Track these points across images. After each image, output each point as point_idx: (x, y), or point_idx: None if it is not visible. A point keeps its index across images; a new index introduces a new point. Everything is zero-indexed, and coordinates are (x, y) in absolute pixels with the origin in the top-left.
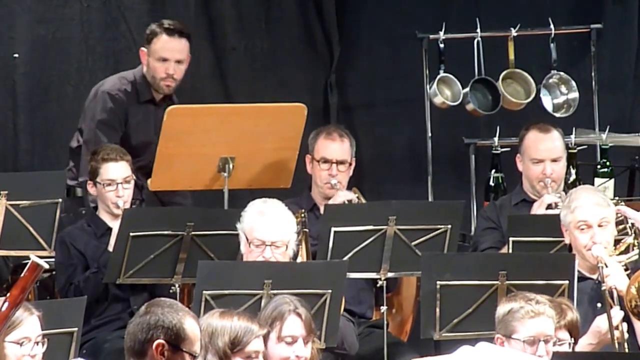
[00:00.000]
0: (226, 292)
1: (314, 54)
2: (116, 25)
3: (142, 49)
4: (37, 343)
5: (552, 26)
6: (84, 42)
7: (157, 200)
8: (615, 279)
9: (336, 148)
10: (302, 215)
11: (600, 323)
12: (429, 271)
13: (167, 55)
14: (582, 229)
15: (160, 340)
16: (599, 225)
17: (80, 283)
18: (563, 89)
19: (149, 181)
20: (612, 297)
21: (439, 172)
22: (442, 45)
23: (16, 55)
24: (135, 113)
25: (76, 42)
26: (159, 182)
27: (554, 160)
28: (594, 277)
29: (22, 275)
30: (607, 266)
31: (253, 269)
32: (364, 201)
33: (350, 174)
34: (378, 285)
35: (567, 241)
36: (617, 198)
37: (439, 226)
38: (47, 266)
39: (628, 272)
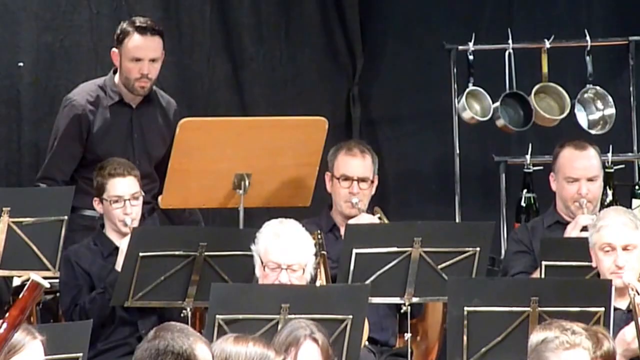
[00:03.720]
0: (240, 316)
1: (336, 64)
2: None
3: (114, 50)
4: None
5: (588, 38)
6: (93, 51)
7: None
8: None
9: (357, 165)
10: (319, 236)
11: (626, 332)
12: (456, 296)
13: (141, 54)
14: (607, 251)
15: None
16: (624, 249)
17: (85, 304)
18: (599, 104)
19: (159, 198)
20: None
21: (468, 192)
22: (471, 57)
23: (21, 64)
24: (99, 119)
25: (85, 51)
26: (170, 200)
27: (590, 180)
28: (621, 307)
29: (21, 294)
30: (639, 293)
31: (269, 292)
32: (386, 222)
33: (373, 193)
34: (402, 311)
35: (594, 264)
36: None
37: (467, 249)
38: (47, 285)
39: None
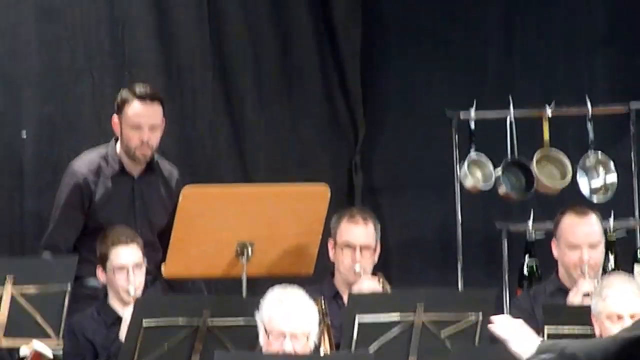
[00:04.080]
0: None
1: (338, 132)
2: None
3: (114, 118)
4: None
5: (589, 104)
6: (96, 120)
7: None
8: None
9: (360, 232)
10: (322, 304)
11: None
12: None
13: (140, 121)
14: (613, 320)
15: None
16: (632, 317)
17: None
18: (601, 170)
19: (162, 267)
20: None
21: (470, 259)
22: (472, 124)
23: (24, 134)
24: (101, 189)
25: (87, 120)
26: (173, 269)
27: (592, 246)
28: None
29: None
30: None
31: None
32: (388, 288)
33: (376, 261)
34: None
35: (597, 332)
36: None
37: (470, 316)
38: (51, 356)
39: None
